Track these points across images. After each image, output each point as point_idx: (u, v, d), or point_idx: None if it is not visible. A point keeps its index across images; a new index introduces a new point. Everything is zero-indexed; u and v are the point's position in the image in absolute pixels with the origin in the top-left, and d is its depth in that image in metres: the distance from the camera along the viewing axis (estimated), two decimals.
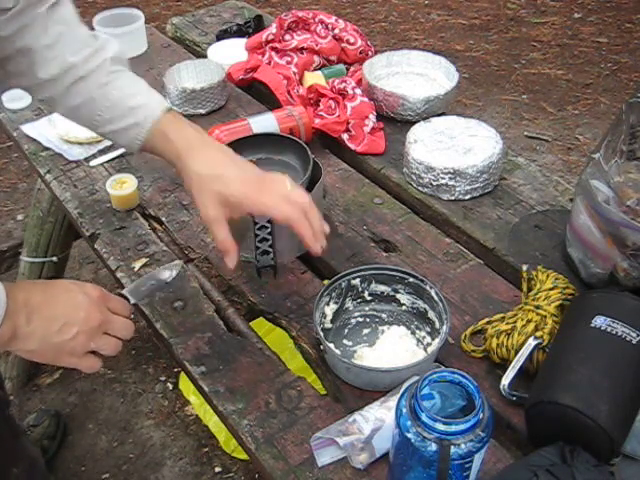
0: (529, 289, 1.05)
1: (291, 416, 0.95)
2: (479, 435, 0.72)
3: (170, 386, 1.97)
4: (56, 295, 0.86)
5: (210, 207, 0.93)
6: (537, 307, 0.98)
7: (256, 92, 1.67)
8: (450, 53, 3.46)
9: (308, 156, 1.18)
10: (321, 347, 0.99)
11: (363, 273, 1.08)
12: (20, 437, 1.25)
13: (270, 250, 1.05)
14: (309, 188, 1.15)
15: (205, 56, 1.77)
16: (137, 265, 1.20)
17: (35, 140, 1.51)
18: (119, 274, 1.19)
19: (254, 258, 1.07)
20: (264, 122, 1.39)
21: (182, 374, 1.93)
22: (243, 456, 1.75)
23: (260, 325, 1.26)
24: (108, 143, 1.49)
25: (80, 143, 1.48)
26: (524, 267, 1.07)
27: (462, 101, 3.15)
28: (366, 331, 1.08)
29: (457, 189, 1.30)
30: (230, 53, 1.74)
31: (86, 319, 0.85)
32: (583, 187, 1.07)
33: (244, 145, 1.21)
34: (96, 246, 1.25)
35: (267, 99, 1.62)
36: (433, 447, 0.71)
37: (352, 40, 1.70)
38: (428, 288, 1.04)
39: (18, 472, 1.16)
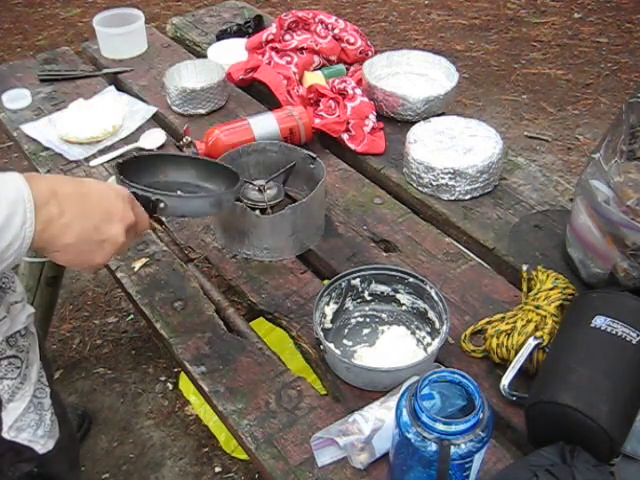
0: (529, 289, 1.05)
1: (291, 416, 0.94)
2: (479, 435, 0.72)
3: (170, 386, 1.97)
4: (87, 191, 0.79)
5: None
6: (537, 307, 0.98)
7: (256, 92, 1.67)
8: (450, 53, 3.46)
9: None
10: (321, 347, 0.99)
11: (363, 273, 1.08)
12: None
13: None
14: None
15: (205, 56, 1.77)
16: (137, 265, 1.20)
17: (35, 140, 1.50)
18: (119, 274, 1.19)
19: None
20: (264, 122, 1.40)
21: (182, 374, 1.93)
22: (243, 456, 1.75)
23: (260, 325, 1.26)
24: (108, 143, 1.49)
25: (80, 143, 1.48)
26: (524, 267, 1.07)
27: (462, 101, 3.15)
28: (366, 331, 1.08)
29: (457, 189, 1.30)
30: (230, 53, 1.74)
31: (124, 217, 0.81)
32: (583, 187, 1.07)
33: (169, 164, 1.08)
34: None
35: (267, 99, 1.62)
36: (433, 447, 0.71)
37: (352, 40, 1.70)
38: (428, 288, 1.04)
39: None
